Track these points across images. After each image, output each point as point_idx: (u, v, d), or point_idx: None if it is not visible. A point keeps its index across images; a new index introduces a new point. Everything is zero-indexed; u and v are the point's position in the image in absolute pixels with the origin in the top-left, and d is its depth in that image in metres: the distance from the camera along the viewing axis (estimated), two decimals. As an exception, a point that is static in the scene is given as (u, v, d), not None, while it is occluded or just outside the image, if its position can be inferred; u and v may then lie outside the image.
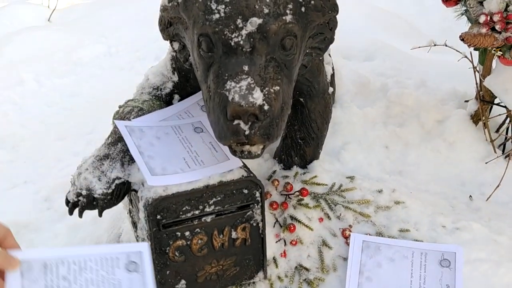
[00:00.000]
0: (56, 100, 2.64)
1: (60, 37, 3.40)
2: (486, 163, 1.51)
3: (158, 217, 1.02)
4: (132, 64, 2.85)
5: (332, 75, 1.62)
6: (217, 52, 0.93)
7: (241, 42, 0.90)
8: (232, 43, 0.90)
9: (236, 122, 0.90)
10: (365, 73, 1.84)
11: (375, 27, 2.55)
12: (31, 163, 2.05)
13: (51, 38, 3.38)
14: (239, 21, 0.89)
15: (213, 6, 0.90)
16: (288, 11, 0.92)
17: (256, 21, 0.89)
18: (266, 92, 0.90)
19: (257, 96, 0.88)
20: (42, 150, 2.11)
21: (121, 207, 1.28)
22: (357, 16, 2.57)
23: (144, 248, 0.79)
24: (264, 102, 0.89)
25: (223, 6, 0.90)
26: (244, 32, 0.90)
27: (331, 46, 1.71)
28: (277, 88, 0.93)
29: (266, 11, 0.90)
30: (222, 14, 0.90)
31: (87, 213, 1.09)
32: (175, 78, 1.25)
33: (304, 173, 1.37)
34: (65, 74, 2.92)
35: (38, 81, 2.85)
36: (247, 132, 0.90)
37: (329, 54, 1.64)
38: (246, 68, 0.90)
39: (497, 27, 1.21)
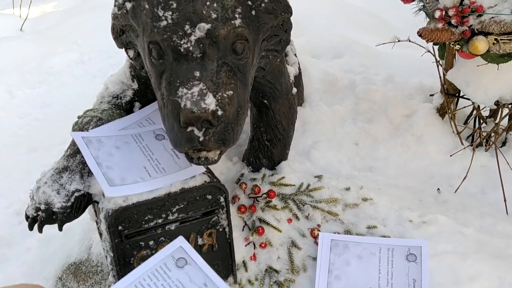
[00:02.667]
0: (28, 111, 2.60)
1: (32, 46, 3.34)
2: (451, 155, 1.53)
3: (120, 228, 1.01)
4: (104, 72, 2.82)
5: (298, 76, 1.63)
6: (168, 59, 0.92)
7: (191, 48, 0.89)
8: (182, 50, 0.89)
9: (189, 129, 0.89)
10: (333, 71, 1.84)
11: (344, 24, 2.56)
12: (2, 177, 2.01)
13: (23, 47, 3.32)
14: (187, 27, 0.88)
15: (160, 13, 0.89)
16: (237, 15, 0.92)
17: (204, 26, 0.88)
18: (219, 97, 0.89)
19: (210, 102, 0.88)
20: (13, 163, 2.08)
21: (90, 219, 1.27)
22: (326, 13, 2.58)
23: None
24: (217, 107, 0.89)
25: (170, 13, 0.89)
26: (193, 38, 0.89)
27: (297, 46, 1.73)
28: (231, 92, 0.92)
29: (214, 16, 0.89)
30: (170, 21, 0.89)
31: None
32: (135, 85, 1.24)
33: (272, 175, 1.37)
34: (37, 84, 2.88)
35: (10, 92, 2.81)
36: (201, 139, 0.89)
37: (295, 54, 1.65)
38: (197, 74, 0.89)
39: (453, 21, 1.22)
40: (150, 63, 0.96)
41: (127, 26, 1.02)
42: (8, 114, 2.55)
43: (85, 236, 1.50)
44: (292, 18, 1.09)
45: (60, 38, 3.38)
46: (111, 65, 2.93)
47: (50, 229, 1.18)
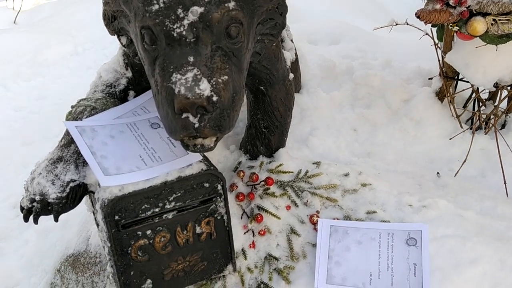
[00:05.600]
0: (23, 104, 2.58)
1: (27, 38, 3.32)
2: (450, 139, 1.52)
3: (116, 217, 0.99)
4: (99, 63, 2.75)
5: (295, 61, 1.61)
6: (161, 44, 0.90)
7: (184, 33, 0.87)
8: (175, 34, 0.87)
9: (184, 115, 0.87)
10: (330, 57, 1.82)
11: (341, 9, 2.53)
12: (-2, 171, 2.00)
13: (17, 40, 3.29)
14: (179, 11, 0.86)
15: None
16: None
17: (197, 10, 0.86)
18: (214, 83, 0.88)
19: (204, 87, 0.86)
20: (9, 156, 2.06)
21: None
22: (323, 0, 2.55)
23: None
24: (212, 93, 0.87)
25: None
26: (186, 22, 0.87)
27: (294, 32, 1.70)
28: (226, 77, 0.90)
29: None
30: (162, 5, 0.87)
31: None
32: (129, 73, 1.22)
33: (270, 162, 1.36)
34: (32, 76, 2.86)
35: (5, 85, 2.79)
36: (196, 125, 0.87)
37: (291, 40, 1.63)
38: (191, 59, 0.87)
39: (451, 2, 1.20)
40: (143, 49, 0.94)
41: (119, 12, 1.00)
42: (3, 108, 2.53)
43: (83, 227, 1.49)
44: (288, 4, 1.07)
45: (54, 30, 3.35)
46: (105, 56, 2.90)
47: (48, 221, 1.17)
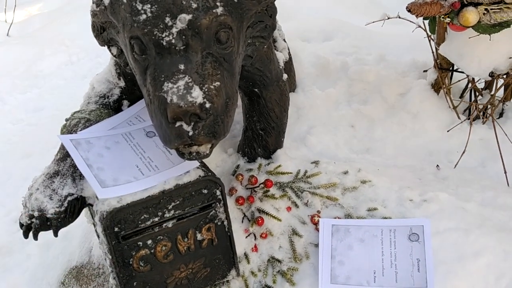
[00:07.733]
0: (20, 116, 2.57)
1: (20, 50, 3.30)
2: (448, 131, 1.51)
3: (116, 229, 0.99)
4: (94, 71, 2.77)
5: (289, 61, 1.60)
6: (151, 54, 0.89)
7: (173, 41, 0.86)
8: (164, 43, 0.87)
9: (178, 124, 0.87)
10: (324, 54, 1.81)
11: (333, 5, 2.52)
12: (-2, 185, 2.00)
13: (11, 52, 3.28)
14: (167, 19, 0.86)
15: (139, 7, 0.86)
16: (218, 3, 0.89)
17: (185, 17, 0.86)
18: (206, 89, 0.87)
19: (196, 95, 0.85)
20: (9, 170, 2.06)
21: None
22: (314, -4, 2.54)
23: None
24: (205, 99, 0.86)
25: (149, 6, 0.86)
26: (174, 30, 0.86)
27: (286, 31, 1.70)
28: (218, 83, 0.90)
29: (194, 5, 0.86)
30: (149, 14, 0.86)
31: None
32: (122, 83, 1.21)
33: (268, 164, 1.35)
34: (27, 88, 2.85)
35: (1, 98, 2.78)
36: (190, 133, 0.87)
37: (284, 40, 1.62)
38: (182, 67, 0.87)
39: (442, -7, 1.19)
40: (133, 59, 0.93)
41: (107, 23, 0.99)
42: (0, 121, 2.52)
43: (85, 239, 1.49)
44: (278, 3, 1.06)
45: (47, 40, 3.34)
46: (100, 64, 2.89)
47: (49, 234, 1.16)
